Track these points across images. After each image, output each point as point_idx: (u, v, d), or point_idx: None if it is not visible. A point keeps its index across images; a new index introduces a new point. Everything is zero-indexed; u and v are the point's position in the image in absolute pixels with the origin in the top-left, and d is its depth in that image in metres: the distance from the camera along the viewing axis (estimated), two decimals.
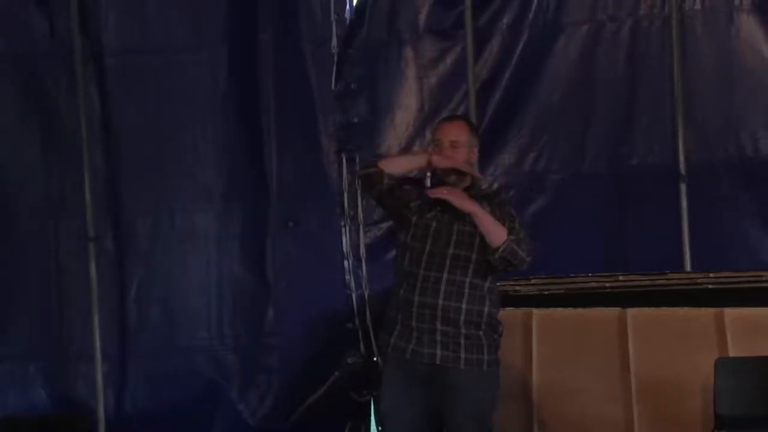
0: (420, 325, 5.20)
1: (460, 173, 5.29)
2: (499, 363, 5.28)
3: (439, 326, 5.19)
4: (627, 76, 7.38)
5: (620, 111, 7.38)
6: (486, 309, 5.24)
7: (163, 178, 7.94)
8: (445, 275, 5.20)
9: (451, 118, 5.80)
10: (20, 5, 7.98)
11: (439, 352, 5.19)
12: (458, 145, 5.30)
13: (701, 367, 6.31)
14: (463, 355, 5.19)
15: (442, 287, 5.19)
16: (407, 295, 5.23)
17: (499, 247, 5.14)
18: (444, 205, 5.25)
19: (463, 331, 5.19)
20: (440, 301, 5.18)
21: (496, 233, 5.16)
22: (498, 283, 5.40)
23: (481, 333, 5.22)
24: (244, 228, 7.91)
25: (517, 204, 5.60)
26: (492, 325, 5.27)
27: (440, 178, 5.28)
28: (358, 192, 7.57)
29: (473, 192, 5.36)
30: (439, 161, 5.27)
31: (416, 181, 5.35)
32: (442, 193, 5.21)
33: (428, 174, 5.26)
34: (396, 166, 5.36)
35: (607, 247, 7.35)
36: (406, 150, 7.62)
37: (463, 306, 5.19)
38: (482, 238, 5.18)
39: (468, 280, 5.21)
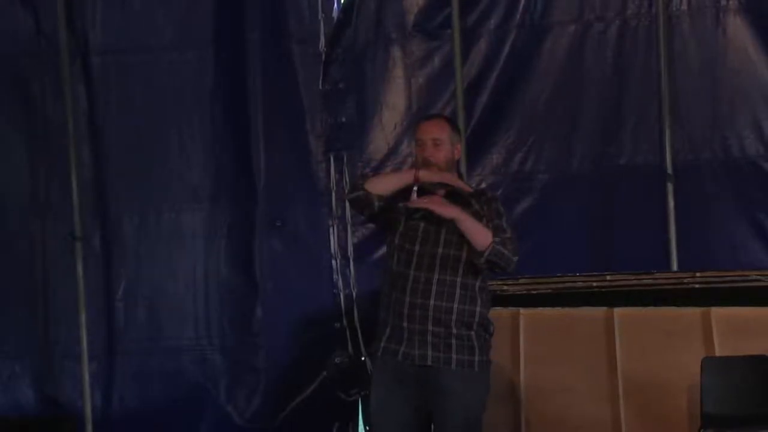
0: (411, 325, 5.17)
1: (447, 186, 5.24)
2: (490, 363, 5.26)
3: (430, 327, 5.16)
4: (614, 75, 7.38)
5: (607, 111, 7.38)
6: (477, 309, 5.22)
7: (150, 177, 7.93)
8: (435, 275, 5.17)
9: (431, 116, 5.76)
10: (6, 3, 7.95)
11: (430, 353, 5.16)
12: (440, 142, 5.27)
13: (688, 366, 6.34)
14: (454, 356, 5.16)
15: (433, 287, 5.16)
16: (398, 296, 5.20)
17: (484, 251, 5.11)
18: None
19: (454, 331, 5.17)
20: (431, 302, 5.16)
21: (480, 236, 5.12)
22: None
23: (472, 333, 5.20)
24: (232, 227, 7.90)
25: (504, 204, 5.55)
26: (483, 325, 5.25)
27: (428, 191, 5.23)
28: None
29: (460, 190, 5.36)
30: (427, 176, 5.23)
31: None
32: (422, 202, 5.17)
33: (415, 188, 5.21)
34: (384, 186, 5.27)
35: (594, 246, 7.35)
36: (393, 149, 7.66)
37: (455, 306, 5.17)
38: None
39: (459, 279, 5.19)
